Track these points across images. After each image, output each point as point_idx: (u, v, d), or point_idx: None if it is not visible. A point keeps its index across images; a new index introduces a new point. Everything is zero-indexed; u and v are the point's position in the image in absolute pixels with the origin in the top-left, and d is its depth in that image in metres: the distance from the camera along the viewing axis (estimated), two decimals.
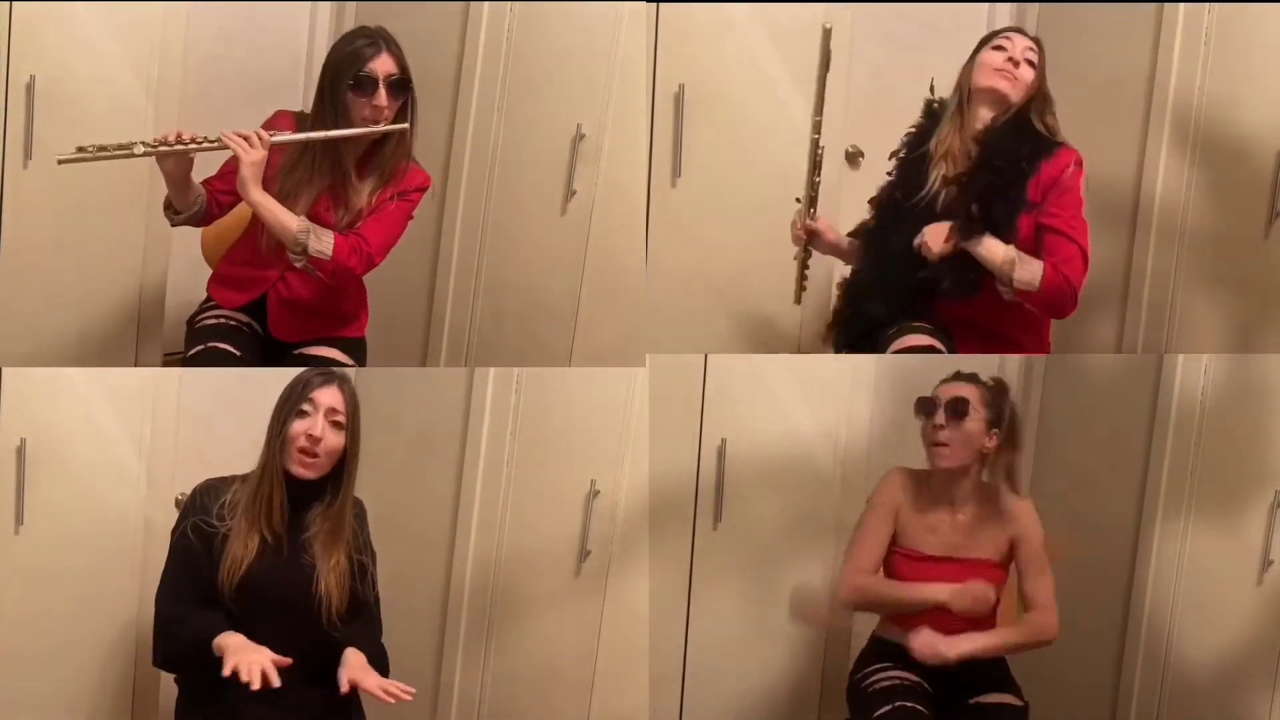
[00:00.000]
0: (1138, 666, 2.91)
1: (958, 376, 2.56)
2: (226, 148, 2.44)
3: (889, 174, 2.66)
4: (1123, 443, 2.92)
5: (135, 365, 2.96)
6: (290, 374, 2.36)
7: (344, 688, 2.25)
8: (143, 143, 2.41)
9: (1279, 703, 2.77)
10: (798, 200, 2.66)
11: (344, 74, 2.50)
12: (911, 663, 2.51)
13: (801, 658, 2.96)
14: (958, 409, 2.50)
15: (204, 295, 2.68)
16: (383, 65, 2.51)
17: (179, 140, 2.44)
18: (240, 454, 2.40)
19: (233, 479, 2.33)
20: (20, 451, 2.63)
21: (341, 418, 2.30)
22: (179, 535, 2.32)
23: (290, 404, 2.30)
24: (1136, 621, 2.90)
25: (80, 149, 2.38)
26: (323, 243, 2.48)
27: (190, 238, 2.83)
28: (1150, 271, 2.87)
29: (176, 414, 2.82)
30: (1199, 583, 2.85)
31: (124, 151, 2.40)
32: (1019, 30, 2.58)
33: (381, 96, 2.50)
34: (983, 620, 2.51)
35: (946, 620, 2.47)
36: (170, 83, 2.93)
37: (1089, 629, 2.90)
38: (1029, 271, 2.43)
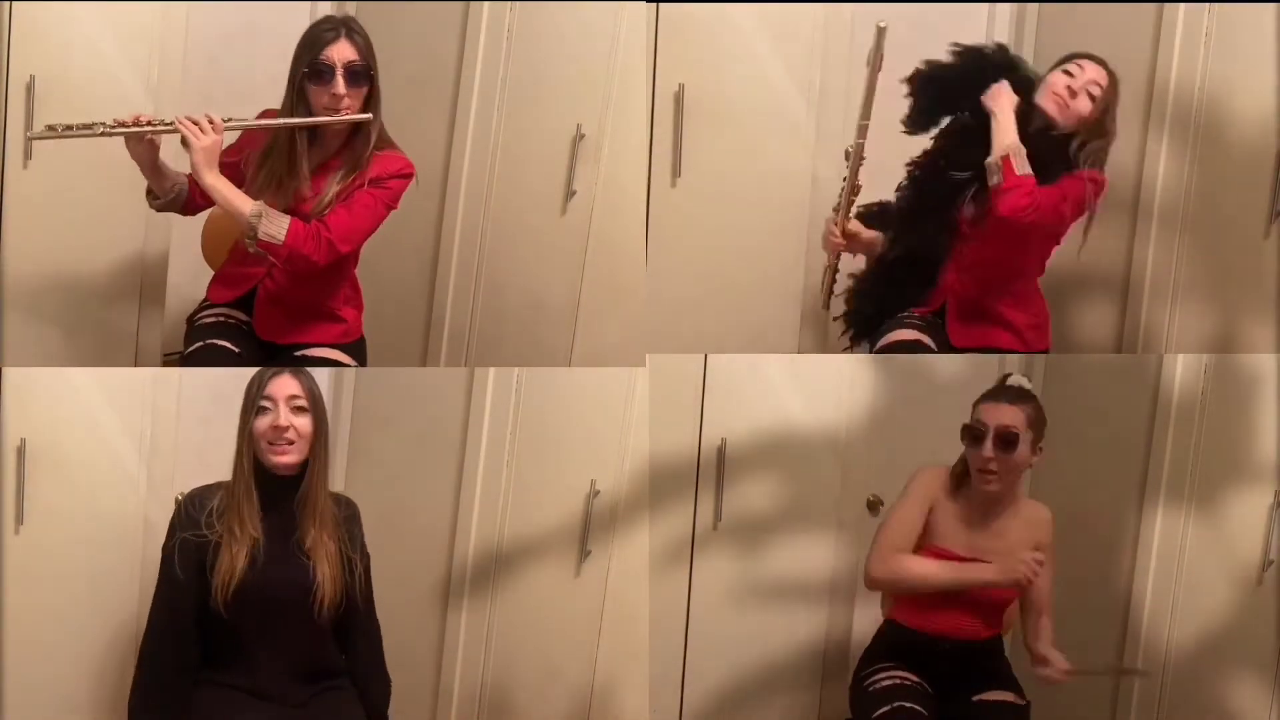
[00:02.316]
0: (1138, 666, 2.91)
1: (1001, 394, 2.51)
2: (179, 131, 2.40)
3: (927, 152, 2.72)
4: (1122, 442, 2.92)
5: (135, 365, 2.96)
6: None
7: None
8: (103, 123, 2.41)
9: (1278, 702, 2.77)
10: (835, 210, 2.71)
11: (301, 62, 2.46)
12: (914, 662, 2.51)
13: (802, 657, 2.96)
14: (1007, 441, 2.46)
15: (204, 295, 2.67)
16: (340, 52, 2.44)
17: (136, 123, 2.42)
18: None
19: (218, 485, 2.32)
20: (20, 451, 2.63)
21: (303, 402, 2.28)
22: (164, 563, 2.30)
23: (249, 404, 2.29)
24: (1136, 621, 2.90)
25: (49, 126, 2.41)
26: (275, 226, 2.42)
27: (191, 236, 2.83)
28: (1150, 271, 2.88)
29: (176, 414, 2.81)
30: (1198, 582, 2.85)
31: (87, 130, 2.40)
32: (1096, 60, 2.62)
33: (339, 84, 2.44)
34: (993, 616, 2.52)
35: (961, 605, 2.47)
36: (170, 83, 2.93)
37: (1089, 629, 2.90)
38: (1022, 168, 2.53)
